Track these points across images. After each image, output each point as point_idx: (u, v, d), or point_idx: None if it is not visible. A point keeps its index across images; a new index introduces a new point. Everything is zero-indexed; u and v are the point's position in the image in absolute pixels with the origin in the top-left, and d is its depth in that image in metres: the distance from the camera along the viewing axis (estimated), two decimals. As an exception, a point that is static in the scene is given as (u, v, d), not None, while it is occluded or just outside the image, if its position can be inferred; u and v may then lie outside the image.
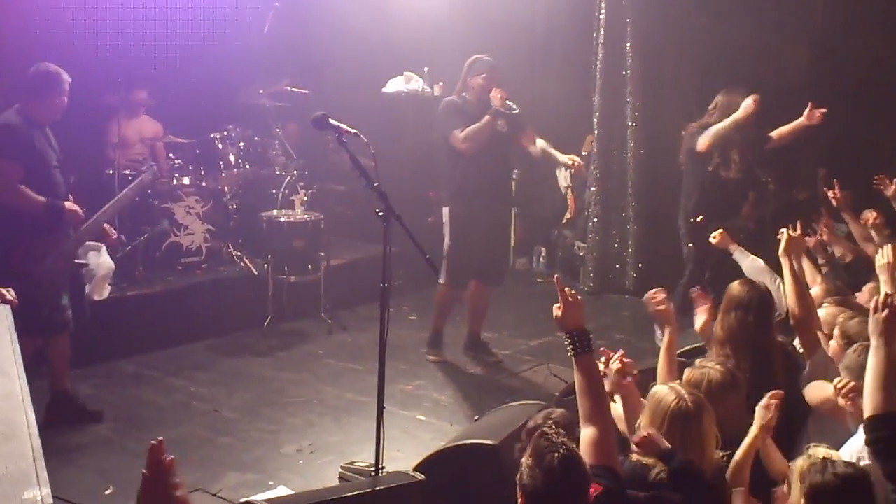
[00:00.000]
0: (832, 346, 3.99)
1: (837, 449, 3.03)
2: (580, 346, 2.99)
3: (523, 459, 2.63)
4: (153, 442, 2.02)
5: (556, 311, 3.05)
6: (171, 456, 2.03)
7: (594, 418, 2.89)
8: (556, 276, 3.27)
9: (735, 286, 4.15)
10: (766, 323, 4.06)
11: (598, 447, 2.81)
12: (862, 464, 2.97)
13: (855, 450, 3.12)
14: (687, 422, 3.10)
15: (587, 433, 2.87)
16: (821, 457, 2.74)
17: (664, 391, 3.22)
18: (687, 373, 3.56)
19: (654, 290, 4.23)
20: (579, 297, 3.07)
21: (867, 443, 2.95)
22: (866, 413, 2.97)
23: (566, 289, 3.06)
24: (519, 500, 2.62)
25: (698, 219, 6.43)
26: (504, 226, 6.55)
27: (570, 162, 6.23)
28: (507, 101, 6.10)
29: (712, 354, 3.98)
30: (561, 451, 2.55)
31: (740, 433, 3.28)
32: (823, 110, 6.30)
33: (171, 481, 2.02)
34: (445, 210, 6.34)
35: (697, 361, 3.70)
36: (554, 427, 2.88)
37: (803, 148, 8.21)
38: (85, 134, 7.48)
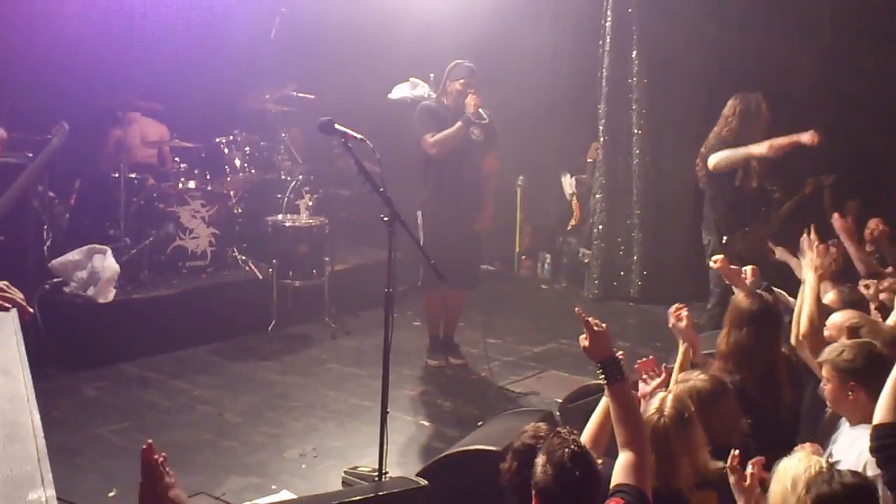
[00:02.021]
0: None
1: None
2: (612, 376, 2.92)
3: (537, 459, 2.65)
4: (143, 447, 2.01)
5: (583, 341, 2.98)
6: (163, 454, 2.01)
7: (632, 445, 2.85)
8: (577, 308, 3.10)
9: (741, 299, 4.09)
10: (777, 335, 4.04)
11: (632, 470, 2.79)
12: (870, 472, 2.99)
13: (859, 455, 3.17)
14: (655, 436, 3.06)
15: (624, 457, 2.85)
16: (807, 457, 2.76)
17: (653, 402, 3.22)
18: (675, 389, 3.51)
19: (677, 305, 4.15)
20: (605, 326, 2.98)
21: (871, 450, 2.98)
22: (875, 420, 3.00)
23: (590, 319, 2.97)
24: (533, 501, 2.64)
25: (723, 240, 6.14)
26: (476, 231, 6.55)
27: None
28: (480, 110, 6.10)
29: (715, 368, 3.93)
30: (571, 447, 2.61)
31: (734, 438, 3.27)
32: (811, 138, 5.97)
33: (163, 482, 2.01)
34: (419, 213, 6.32)
35: (681, 375, 3.68)
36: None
37: (808, 156, 8.21)
38: (91, 137, 7.53)
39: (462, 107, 6.13)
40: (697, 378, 3.51)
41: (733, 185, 6.18)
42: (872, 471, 3.02)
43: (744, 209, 6.23)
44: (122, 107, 7.49)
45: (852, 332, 3.84)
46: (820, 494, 2.63)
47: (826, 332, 4.06)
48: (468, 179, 6.33)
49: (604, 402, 3.31)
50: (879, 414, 2.99)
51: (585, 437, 3.38)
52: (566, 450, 2.60)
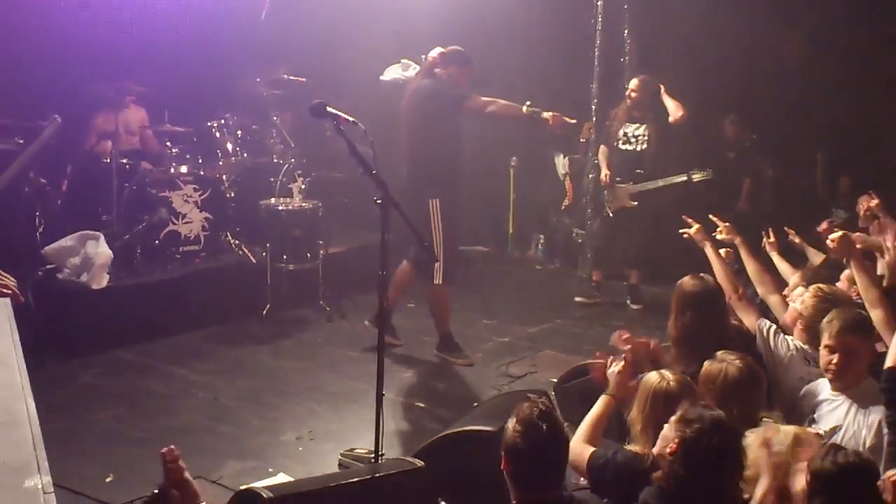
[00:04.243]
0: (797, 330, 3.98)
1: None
2: None
3: (507, 424, 2.80)
4: (164, 451, 2.00)
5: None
6: (172, 447, 2.02)
7: None
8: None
9: (686, 282, 4.10)
10: (724, 311, 4.07)
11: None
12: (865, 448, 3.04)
13: (855, 429, 3.26)
14: (668, 400, 3.10)
15: None
16: (778, 431, 2.83)
17: (652, 375, 3.25)
18: (706, 365, 3.46)
19: (618, 334, 4.00)
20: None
21: (882, 390, 3.13)
22: (888, 363, 3.12)
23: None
24: (503, 465, 2.73)
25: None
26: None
27: None
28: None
29: (670, 357, 3.94)
30: (540, 406, 2.76)
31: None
32: None
33: (189, 489, 2.01)
34: (435, 202, 6.09)
35: (719, 354, 3.62)
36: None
37: (800, 135, 8.22)
38: (82, 123, 7.49)
39: None
40: (731, 362, 3.42)
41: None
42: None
43: (619, 165, 7.70)
44: (119, 91, 7.43)
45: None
46: (815, 472, 2.63)
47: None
48: (463, 159, 6.33)
49: (600, 403, 3.47)
50: (891, 356, 3.12)
51: (581, 435, 3.41)
52: (535, 409, 2.74)
